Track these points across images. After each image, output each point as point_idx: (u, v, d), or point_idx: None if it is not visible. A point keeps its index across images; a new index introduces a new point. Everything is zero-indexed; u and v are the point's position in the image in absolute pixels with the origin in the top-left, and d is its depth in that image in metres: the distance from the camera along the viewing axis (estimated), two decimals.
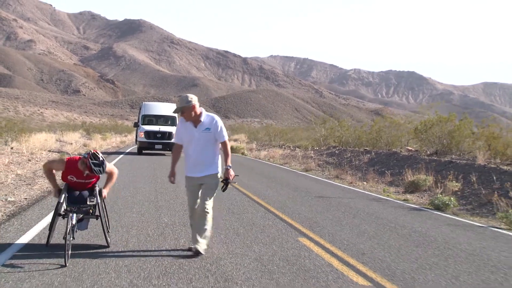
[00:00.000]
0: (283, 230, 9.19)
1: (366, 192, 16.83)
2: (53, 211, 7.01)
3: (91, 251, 6.98)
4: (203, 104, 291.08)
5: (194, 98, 6.98)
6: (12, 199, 11.82)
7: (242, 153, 41.39)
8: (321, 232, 9.10)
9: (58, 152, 29.05)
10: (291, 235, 8.71)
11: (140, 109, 35.72)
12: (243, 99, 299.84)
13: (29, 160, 22.93)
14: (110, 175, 7.39)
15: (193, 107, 6.90)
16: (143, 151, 32.36)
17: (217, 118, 7.11)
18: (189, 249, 7.17)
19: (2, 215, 9.75)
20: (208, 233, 7.10)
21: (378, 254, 7.64)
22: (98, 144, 43.29)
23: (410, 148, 27.12)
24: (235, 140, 69.50)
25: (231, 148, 46.20)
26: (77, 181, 7.05)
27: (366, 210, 12.46)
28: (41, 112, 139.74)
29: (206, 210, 7.02)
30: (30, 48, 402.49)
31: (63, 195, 6.90)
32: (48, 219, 8.87)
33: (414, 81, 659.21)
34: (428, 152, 24.29)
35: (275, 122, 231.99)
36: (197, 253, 6.93)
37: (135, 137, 38.95)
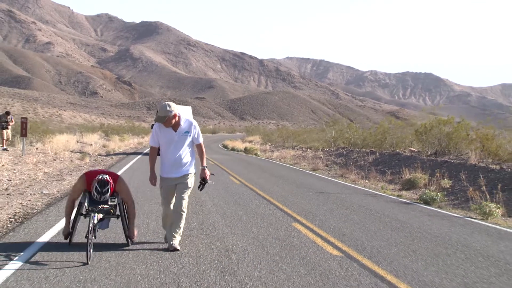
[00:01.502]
0: (281, 217, 10.77)
1: (365, 189, 18.33)
2: (75, 210, 7.39)
3: (112, 250, 7.32)
4: (220, 105, 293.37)
5: (174, 106, 7.39)
6: (47, 192, 13.54)
7: (255, 154, 43.02)
8: (313, 220, 10.65)
9: (80, 153, 30.73)
10: (286, 222, 10.28)
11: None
12: (259, 100, 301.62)
13: (54, 160, 24.69)
14: (128, 207, 7.61)
15: (175, 115, 7.38)
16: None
17: (195, 123, 7.65)
18: (167, 248, 7.47)
19: (41, 204, 11.45)
20: (181, 230, 7.63)
21: (356, 235, 9.19)
22: (117, 145, 45.09)
23: (412, 149, 28.53)
24: (250, 142, 71.17)
25: (245, 149, 47.95)
26: None
27: (359, 203, 13.99)
28: (59, 114, 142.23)
29: (182, 209, 7.49)
30: (49, 50, 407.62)
31: (85, 195, 7.25)
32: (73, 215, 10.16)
33: (431, 82, 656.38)
34: (429, 153, 25.70)
35: (291, 123, 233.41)
36: (174, 249, 7.39)
37: (150, 139, 40.68)
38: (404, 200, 15.49)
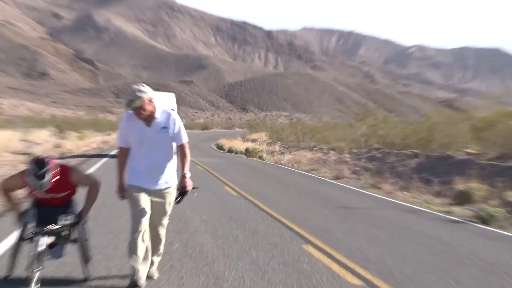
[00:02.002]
0: (288, 238, 11.26)
1: (403, 203, 18.83)
2: (17, 234, 7.24)
3: (65, 285, 7.39)
4: (214, 92, 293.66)
5: (148, 89, 7.23)
6: None
7: (260, 157, 43.64)
8: (329, 241, 11.14)
9: (26, 155, 31.33)
10: (295, 243, 10.77)
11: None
12: (266, 85, 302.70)
13: None
14: (90, 189, 7.59)
15: (150, 100, 7.18)
16: None
17: (174, 114, 7.51)
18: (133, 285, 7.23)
19: None
20: (161, 252, 7.93)
21: (384, 259, 9.68)
22: (74, 144, 45.79)
23: (470, 150, 28.99)
24: (253, 141, 71.85)
25: (246, 150, 48.61)
26: (45, 197, 7.25)
27: (392, 220, 14.49)
28: None
29: (160, 237, 7.73)
30: None
31: (31, 212, 7.16)
32: (9, 240, 9.49)
33: (500, 60, 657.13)
34: (491, 156, 26.17)
35: (309, 116, 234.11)
36: (151, 276, 7.74)
37: (117, 138, 41.28)
38: (454, 218, 15.96)
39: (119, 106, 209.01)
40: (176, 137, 7.48)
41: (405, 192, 22.13)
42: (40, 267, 6.64)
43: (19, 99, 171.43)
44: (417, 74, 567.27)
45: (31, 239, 6.90)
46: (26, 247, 7.16)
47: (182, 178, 7.47)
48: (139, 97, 7.06)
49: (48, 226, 6.99)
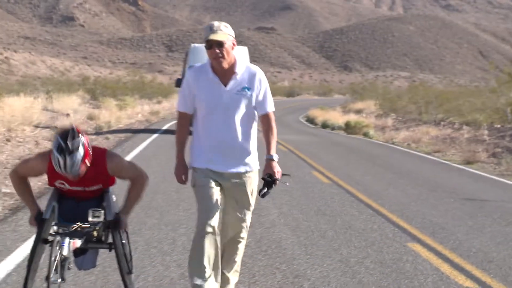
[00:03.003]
0: (390, 235, 12.44)
1: None
2: (35, 237, 7.22)
3: None
4: (304, 43, 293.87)
5: (231, 30, 7.36)
6: (8, 190, 15.66)
7: (365, 134, 44.72)
8: (444, 239, 12.26)
9: (52, 129, 33.14)
10: (398, 241, 11.94)
11: (187, 56, 38.84)
12: (378, 34, 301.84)
13: (8, 141, 27.20)
14: (133, 183, 7.44)
15: (234, 44, 7.33)
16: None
17: (261, 72, 7.54)
18: None
19: (2, 209, 13.54)
20: (239, 266, 8.01)
21: (511, 261, 10.76)
22: (113, 115, 47.61)
23: None
24: (358, 112, 72.78)
25: (347, 125, 49.78)
26: (72, 189, 7.23)
27: None
28: (5, 58, 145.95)
29: (241, 235, 7.73)
30: None
31: (50, 207, 7.16)
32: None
33: None
34: None
35: (439, 78, 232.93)
36: None
37: (178, 101, 42.66)
38: None
39: (173, 63, 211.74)
40: (261, 103, 7.51)
41: None
42: (60, 279, 6.89)
43: (36, 53, 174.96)
44: None
45: (51, 241, 6.94)
46: (47, 251, 7.09)
47: (268, 162, 7.51)
48: (224, 32, 7.17)
49: (74, 225, 7.05)
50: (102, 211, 7.02)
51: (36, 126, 33.95)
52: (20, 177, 7.24)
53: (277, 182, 7.44)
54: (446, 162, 29.03)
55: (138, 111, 59.41)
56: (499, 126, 41.06)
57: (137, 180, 7.33)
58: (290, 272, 9.47)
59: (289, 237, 11.79)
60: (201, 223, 7.30)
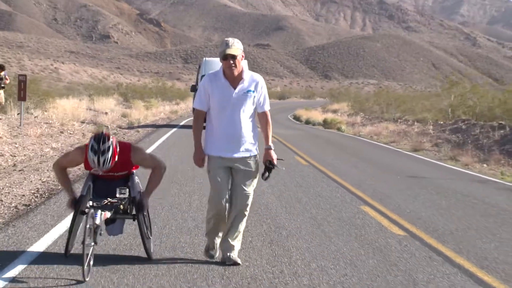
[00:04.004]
0: (348, 200, 13.60)
1: (477, 174, 21.01)
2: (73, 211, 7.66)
3: (124, 263, 7.88)
4: (293, 57, 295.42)
5: (241, 45, 7.84)
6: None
7: (338, 129, 45.92)
8: (389, 204, 13.39)
9: (93, 124, 34.25)
10: (354, 204, 13.08)
11: (200, 67, 39.69)
12: (352, 49, 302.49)
13: (61, 132, 28.27)
14: (153, 172, 7.94)
15: (243, 56, 7.78)
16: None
17: (261, 79, 7.97)
18: (223, 261, 8.03)
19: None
20: (241, 235, 8.21)
21: (434, 219, 11.89)
22: (141, 114, 48.69)
23: None
24: (334, 112, 73.92)
25: (324, 121, 50.85)
26: (104, 174, 7.74)
27: (457, 189, 16.64)
28: (55, 68, 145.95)
29: (246, 209, 8.03)
30: None
31: (87, 186, 7.66)
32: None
33: None
34: None
35: (400, 84, 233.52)
36: (234, 263, 7.94)
37: (192, 106, 43.69)
38: None
39: (188, 73, 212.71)
40: (260, 103, 7.92)
41: (484, 165, 24.12)
42: (93, 243, 7.21)
43: (80, 64, 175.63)
44: None
45: (86, 213, 7.32)
46: (84, 221, 7.56)
47: (266, 151, 7.99)
48: (237, 47, 7.63)
49: (105, 200, 7.54)
50: (127, 189, 7.59)
51: (82, 122, 34.92)
52: (61, 168, 7.79)
53: (275, 166, 8.03)
54: (399, 150, 30.29)
55: (161, 110, 60.34)
56: (442, 122, 42.22)
57: (156, 169, 7.86)
58: (273, 224, 10.58)
59: (274, 202, 12.89)
60: (214, 200, 7.83)
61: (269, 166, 7.96)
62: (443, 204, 13.96)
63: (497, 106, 38.40)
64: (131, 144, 7.93)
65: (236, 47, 7.58)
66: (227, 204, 7.82)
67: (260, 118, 8.03)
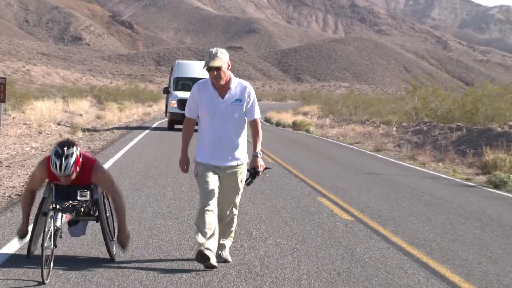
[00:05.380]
0: (307, 192, 15.17)
1: (431, 172, 22.67)
2: (37, 209, 7.84)
3: (87, 264, 8.00)
4: (265, 59, 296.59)
5: (227, 54, 7.89)
6: None
7: (307, 130, 47.56)
8: (343, 196, 14.95)
9: (70, 127, 35.40)
10: (311, 196, 14.65)
11: (172, 69, 40.52)
12: (324, 52, 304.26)
13: (40, 133, 29.57)
14: (113, 203, 8.13)
15: (228, 65, 7.82)
16: (176, 126, 37.35)
17: (250, 87, 8.09)
18: (218, 257, 8.08)
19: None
20: (233, 233, 8.61)
21: (381, 208, 13.46)
22: (115, 116, 49.97)
23: None
24: (305, 114, 75.55)
25: (294, 123, 52.46)
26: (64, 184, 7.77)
27: (409, 185, 18.25)
28: (27, 70, 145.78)
29: (233, 211, 8.40)
30: None
31: (49, 187, 7.81)
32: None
33: None
34: None
35: (372, 87, 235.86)
36: (225, 260, 8.24)
37: (165, 108, 44.76)
38: (469, 184, 19.68)
39: (161, 75, 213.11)
40: (249, 111, 8.02)
41: (440, 164, 25.81)
42: (53, 245, 7.21)
43: (52, 67, 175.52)
44: (499, 40, 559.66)
45: (47, 214, 7.39)
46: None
47: (253, 158, 8.08)
48: (220, 58, 7.67)
49: (66, 202, 7.62)
50: (88, 192, 7.75)
51: (59, 124, 36.07)
52: (31, 190, 7.94)
53: (260, 174, 8.15)
54: (362, 150, 31.97)
55: (134, 112, 61.51)
56: (406, 124, 44.02)
57: (115, 198, 8.00)
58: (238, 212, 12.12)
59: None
60: (202, 203, 7.85)
61: (253, 172, 8.08)
62: (392, 196, 15.55)
63: (456, 109, 40.39)
64: (96, 161, 7.96)
65: (219, 57, 7.65)
66: (215, 206, 7.89)
67: (250, 126, 8.13)
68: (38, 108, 40.99)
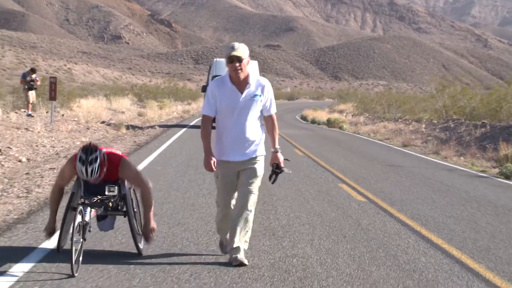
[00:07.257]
0: (330, 180, 17.14)
1: (450, 165, 24.44)
2: (66, 204, 7.93)
3: (114, 258, 8.16)
4: (303, 58, 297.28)
5: (248, 50, 7.90)
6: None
7: (340, 127, 49.32)
8: (362, 183, 16.86)
9: (115, 125, 37.49)
10: (334, 183, 16.62)
11: (210, 68, 41.41)
12: (362, 50, 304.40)
13: (87, 129, 31.70)
14: (142, 194, 8.19)
15: (248, 61, 7.78)
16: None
17: (268, 84, 8.04)
18: (230, 262, 8.01)
19: None
20: (248, 235, 8.21)
21: (393, 192, 15.37)
22: (156, 113, 52.03)
23: None
24: (340, 112, 77.17)
25: (328, 120, 54.29)
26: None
27: (426, 175, 20.09)
28: (68, 68, 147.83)
29: (248, 207, 8.01)
30: None
31: (79, 183, 7.85)
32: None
33: None
34: None
35: (410, 85, 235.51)
36: (241, 264, 7.94)
37: (203, 106, 46.55)
38: (483, 175, 21.47)
39: (199, 73, 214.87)
40: (267, 107, 8.05)
41: (461, 158, 27.57)
42: (82, 239, 7.45)
43: (92, 65, 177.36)
44: None
45: (76, 209, 7.50)
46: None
47: (274, 154, 8.10)
48: (242, 50, 7.69)
49: (94, 198, 7.72)
50: (116, 187, 7.82)
51: (102, 122, 38.14)
52: (59, 188, 7.99)
53: (283, 170, 8.18)
54: (390, 145, 33.87)
55: (173, 110, 63.27)
56: (435, 121, 45.71)
57: (143, 191, 8.06)
58: (267, 193, 13.97)
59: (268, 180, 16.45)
60: (221, 205, 8.13)
61: (275, 170, 8.13)
62: (406, 183, 17.44)
63: (481, 106, 42.20)
64: (122, 157, 8.04)
65: (241, 50, 7.64)
66: (231, 207, 8.10)
67: (266, 121, 8.13)
68: (84, 105, 43.23)
